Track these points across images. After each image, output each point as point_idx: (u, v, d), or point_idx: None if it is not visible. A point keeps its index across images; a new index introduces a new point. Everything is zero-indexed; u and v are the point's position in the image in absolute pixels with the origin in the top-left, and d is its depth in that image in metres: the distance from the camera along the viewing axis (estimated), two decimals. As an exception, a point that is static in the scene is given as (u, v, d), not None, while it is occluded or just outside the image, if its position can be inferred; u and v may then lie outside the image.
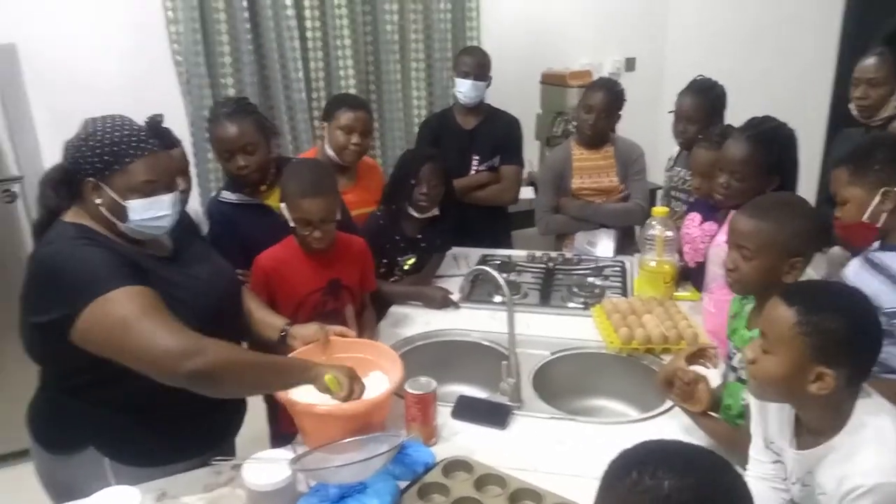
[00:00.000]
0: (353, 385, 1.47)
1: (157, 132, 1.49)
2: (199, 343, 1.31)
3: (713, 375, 1.77)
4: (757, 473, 1.34)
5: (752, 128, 1.97)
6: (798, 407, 1.23)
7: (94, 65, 3.15)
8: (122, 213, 1.44)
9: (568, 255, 2.79)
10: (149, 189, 1.45)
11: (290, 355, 1.66)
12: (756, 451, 1.34)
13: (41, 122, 3.10)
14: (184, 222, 1.63)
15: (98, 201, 1.43)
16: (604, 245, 2.82)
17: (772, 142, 1.92)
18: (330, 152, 2.48)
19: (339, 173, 2.36)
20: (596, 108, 2.71)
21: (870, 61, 2.46)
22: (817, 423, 1.20)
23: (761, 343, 1.19)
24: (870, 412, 1.15)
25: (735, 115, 2.48)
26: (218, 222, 2.12)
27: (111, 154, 1.41)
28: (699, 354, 1.65)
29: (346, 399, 1.45)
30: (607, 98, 2.72)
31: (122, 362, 1.32)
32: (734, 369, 1.55)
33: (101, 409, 1.45)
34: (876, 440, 1.12)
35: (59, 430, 1.52)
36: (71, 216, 1.45)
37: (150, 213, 1.46)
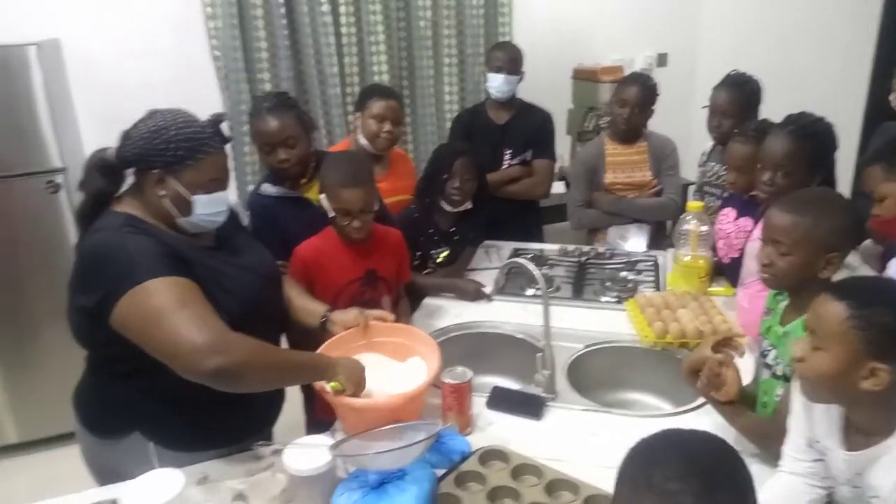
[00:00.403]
0: (356, 388, 1.52)
1: (217, 131, 1.52)
2: (224, 341, 1.31)
3: (744, 371, 1.76)
4: (792, 469, 1.33)
5: (793, 122, 1.94)
6: (849, 406, 1.20)
7: (134, 60, 3.22)
8: (186, 207, 1.48)
9: (600, 249, 2.79)
10: (213, 186, 1.50)
11: (330, 340, 1.69)
12: (794, 448, 1.33)
13: (83, 115, 3.18)
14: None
15: (161, 193, 1.46)
16: (636, 240, 2.82)
17: (816, 136, 1.90)
18: (363, 141, 2.51)
19: (373, 161, 2.41)
20: (630, 102, 2.71)
21: None
22: (869, 423, 1.17)
23: (810, 340, 1.17)
24: None
25: (769, 110, 2.46)
26: (259, 215, 2.15)
27: (185, 150, 1.44)
28: (725, 343, 1.62)
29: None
30: (641, 92, 2.72)
31: (150, 353, 1.34)
32: (768, 366, 1.54)
33: (146, 395, 1.49)
34: None
35: (105, 415, 1.56)
36: (122, 206, 1.49)
37: (212, 208, 1.51)
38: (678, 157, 2.82)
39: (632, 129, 2.77)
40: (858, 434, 1.20)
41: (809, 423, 1.30)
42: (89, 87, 3.17)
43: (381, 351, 1.73)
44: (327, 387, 1.50)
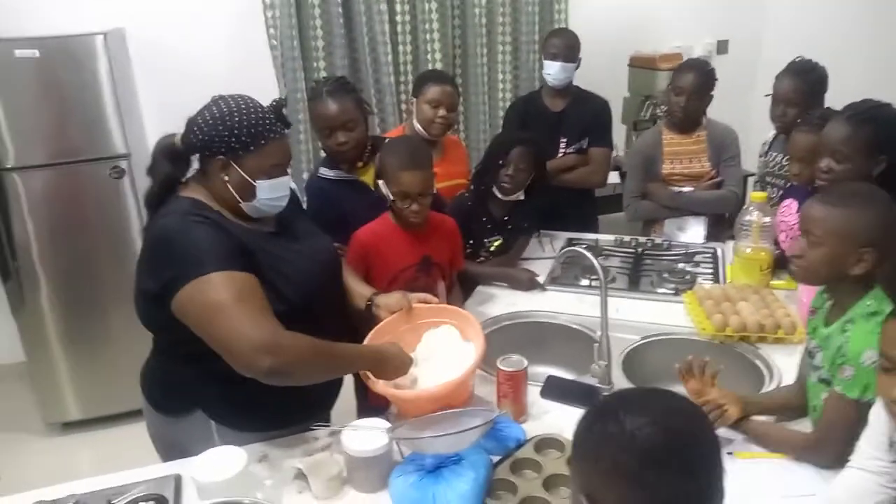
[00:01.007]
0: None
1: (279, 116, 1.54)
2: (277, 341, 1.33)
3: (790, 369, 1.71)
4: (865, 466, 1.28)
5: (853, 108, 1.88)
6: None
7: (195, 49, 3.30)
8: (249, 191, 1.50)
9: (657, 240, 2.74)
10: (276, 171, 1.53)
11: (378, 325, 1.71)
12: (874, 445, 1.27)
13: (146, 103, 3.27)
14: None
15: (225, 178, 1.49)
16: (694, 231, 2.76)
17: (875, 120, 1.82)
18: (418, 126, 2.53)
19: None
20: (686, 89, 2.65)
21: None
22: None
23: (882, 363, 1.14)
24: None
25: (836, 99, 2.35)
26: (317, 197, 2.19)
27: (248, 136, 1.47)
28: (701, 382, 1.59)
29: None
30: (698, 79, 2.64)
31: (208, 344, 1.38)
32: (815, 368, 1.47)
33: (207, 378, 1.52)
34: None
35: (170, 394, 1.61)
36: (188, 191, 1.53)
37: (274, 193, 1.54)
38: (739, 146, 2.74)
39: (689, 117, 2.71)
40: None
41: (890, 423, 1.25)
42: (153, 76, 3.26)
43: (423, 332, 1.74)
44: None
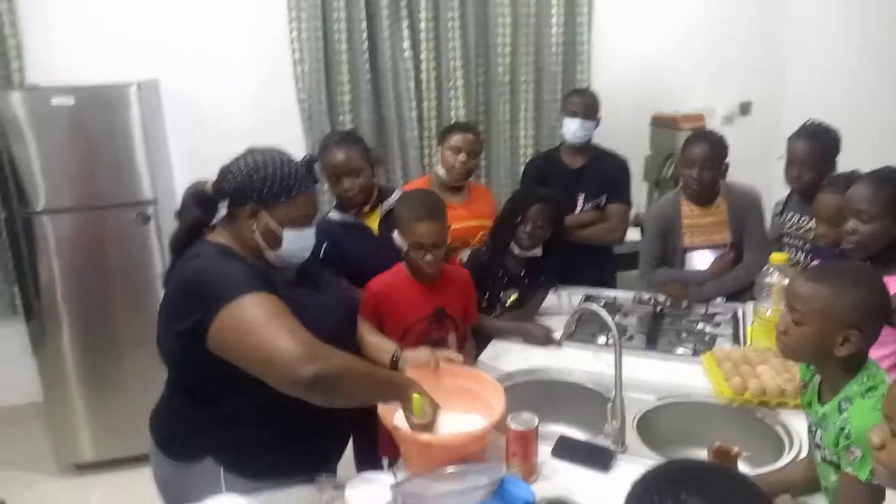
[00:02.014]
0: (433, 417, 1.53)
1: (310, 171, 1.59)
2: (321, 349, 1.35)
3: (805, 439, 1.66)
4: None
5: (879, 171, 1.87)
6: None
7: (225, 102, 3.40)
8: (276, 240, 1.54)
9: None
10: (304, 222, 1.57)
11: None
12: None
13: (175, 151, 3.36)
14: None
15: (254, 226, 1.53)
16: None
17: None
18: (441, 171, 2.73)
19: (453, 192, 2.66)
20: (697, 161, 2.57)
21: None
22: None
23: (890, 427, 1.09)
24: None
25: (855, 164, 2.35)
26: (324, 238, 2.23)
27: (281, 186, 1.52)
28: (726, 458, 1.51)
29: (423, 429, 1.51)
30: (709, 149, 2.57)
31: (247, 368, 1.37)
32: (818, 447, 1.41)
33: (222, 421, 1.52)
34: None
35: (180, 438, 1.60)
36: (214, 235, 1.56)
37: (300, 244, 1.58)
38: (762, 209, 2.67)
39: (704, 189, 2.62)
40: None
41: None
42: (183, 126, 3.36)
43: (446, 395, 1.71)
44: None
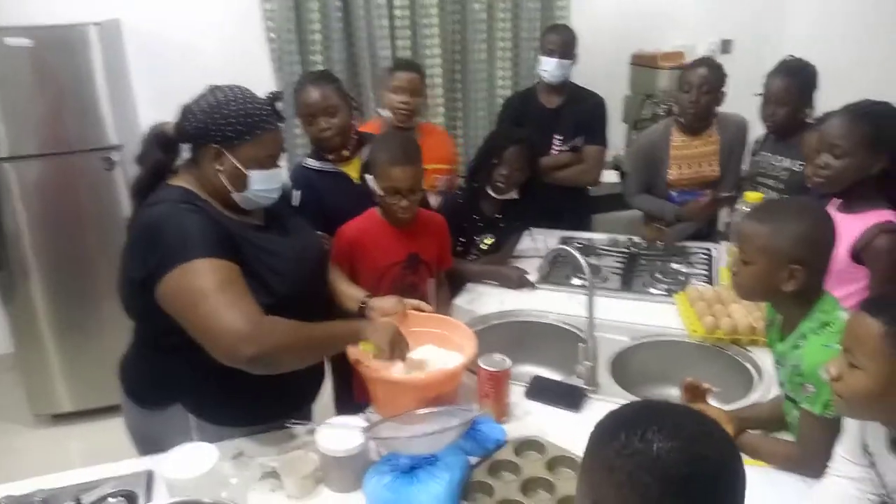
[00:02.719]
0: (393, 347, 1.51)
1: (275, 109, 1.53)
2: (258, 329, 1.32)
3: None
4: (843, 473, 1.25)
5: (853, 105, 1.84)
6: (890, 424, 1.15)
7: (190, 41, 3.27)
8: (242, 182, 1.49)
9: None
10: (269, 162, 1.51)
11: None
12: (847, 450, 1.26)
13: (140, 94, 3.25)
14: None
15: (218, 168, 1.47)
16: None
17: (876, 116, 1.78)
18: (385, 114, 2.63)
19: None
20: (697, 84, 2.54)
21: None
22: None
23: (846, 358, 1.12)
24: None
25: (840, 102, 2.31)
26: (300, 186, 2.18)
27: (244, 125, 1.45)
28: (694, 393, 1.54)
29: (389, 359, 1.51)
30: (709, 73, 2.55)
31: (189, 332, 1.36)
32: (781, 384, 1.45)
33: (188, 369, 1.50)
34: None
35: (149, 387, 1.59)
36: (178, 180, 1.50)
37: (267, 185, 1.52)
38: (747, 137, 2.65)
39: (701, 114, 2.59)
40: None
41: (863, 426, 1.23)
42: (147, 67, 3.23)
43: (417, 342, 1.70)
44: (360, 349, 1.50)
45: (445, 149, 2.78)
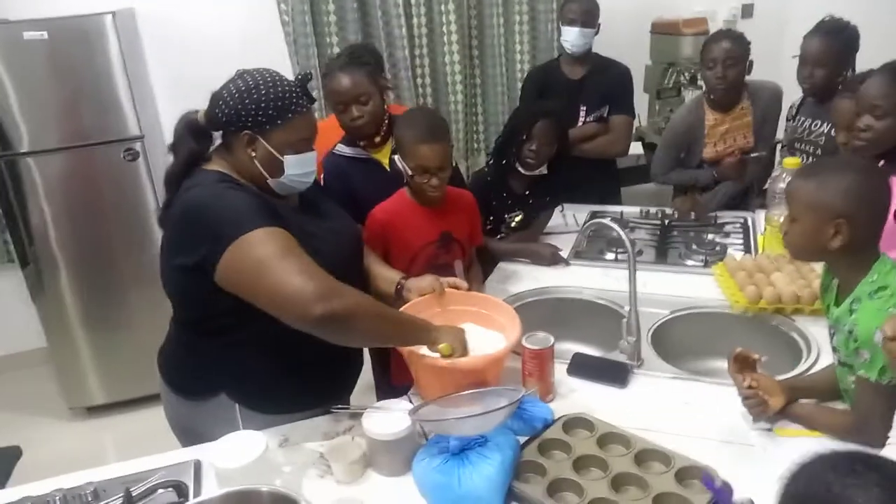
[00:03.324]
0: (464, 352, 1.48)
1: (305, 89, 1.50)
2: (334, 287, 1.30)
3: (828, 341, 1.63)
4: None
5: (891, 63, 1.78)
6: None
7: (205, 27, 3.23)
8: (277, 167, 1.46)
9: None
10: (303, 146, 1.48)
11: (404, 306, 1.65)
12: None
13: (157, 82, 3.22)
14: None
15: (252, 154, 1.45)
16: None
17: None
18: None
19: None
20: (721, 59, 2.46)
21: None
22: None
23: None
24: None
25: (868, 65, 2.25)
26: (331, 174, 2.13)
27: (276, 109, 1.42)
28: (744, 363, 1.49)
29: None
30: (732, 45, 2.47)
31: (257, 304, 1.33)
32: (835, 350, 1.41)
33: (234, 355, 1.49)
34: None
35: (191, 376, 1.57)
36: (212, 165, 1.48)
37: (302, 168, 1.49)
38: (781, 103, 2.58)
39: (729, 89, 2.51)
40: None
41: None
42: (163, 55, 3.21)
43: (458, 322, 1.67)
44: (432, 353, 1.46)
45: None
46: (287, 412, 1.55)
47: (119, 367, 3.11)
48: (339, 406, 1.55)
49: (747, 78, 2.58)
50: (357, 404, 1.59)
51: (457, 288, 1.73)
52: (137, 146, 2.87)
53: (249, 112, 1.42)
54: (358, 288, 1.64)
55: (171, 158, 1.50)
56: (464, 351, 1.47)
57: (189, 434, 1.58)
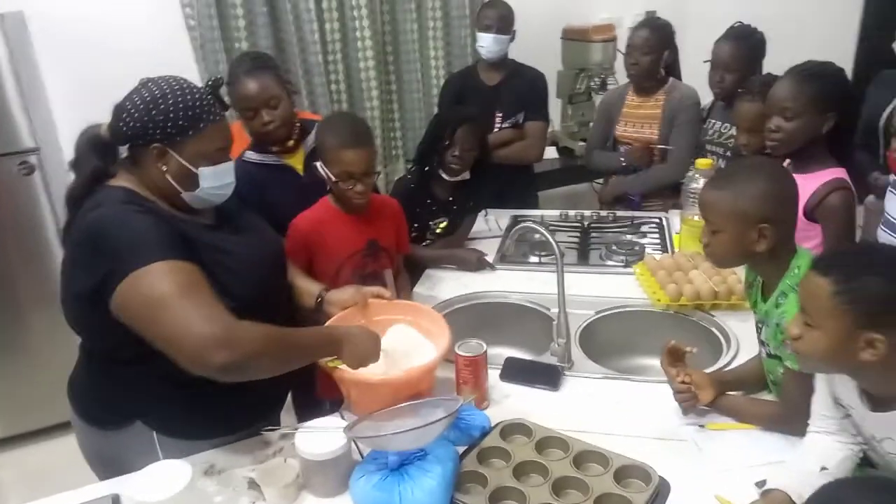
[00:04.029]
0: (359, 363, 1.44)
1: (217, 96, 1.41)
2: (231, 333, 1.21)
3: (746, 335, 1.70)
4: (822, 428, 1.28)
5: (797, 67, 1.88)
6: (855, 376, 1.17)
7: (103, 32, 3.04)
8: (191, 180, 1.37)
9: (602, 213, 2.71)
10: (218, 156, 1.40)
11: (328, 321, 1.61)
12: (822, 406, 1.28)
13: (53, 91, 3.01)
14: None
15: (163, 168, 1.35)
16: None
17: (821, 76, 1.82)
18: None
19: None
20: (637, 47, 2.59)
21: None
22: (884, 389, 1.14)
23: (803, 318, 1.14)
24: None
25: (770, 68, 2.38)
26: (242, 182, 2.04)
27: (186, 119, 1.33)
28: (677, 357, 1.54)
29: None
30: (650, 35, 2.59)
31: (153, 344, 1.24)
32: (763, 343, 1.47)
33: (147, 383, 1.39)
34: None
35: (105, 405, 1.47)
36: (118, 181, 1.38)
37: (219, 180, 1.41)
38: (697, 112, 2.66)
39: (644, 76, 2.64)
40: (878, 398, 1.16)
41: (830, 380, 1.25)
42: (60, 61, 2.99)
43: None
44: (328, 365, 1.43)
45: None
46: (210, 437, 1.47)
47: (21, 396, 2.87)
48: (269, 427, 1.48)
49: (673, 78, 2.72)
50: (284, 424, 1.53)
51: (381, 297, 1.69)
52: (33, 159, 2.67)
53: (158, 124, 1.33)
54: (280, 301, 1.59)
55: (72, 175, 1.39)
56: (360, 362, 1.42)
57: (107, 464, 1.47)
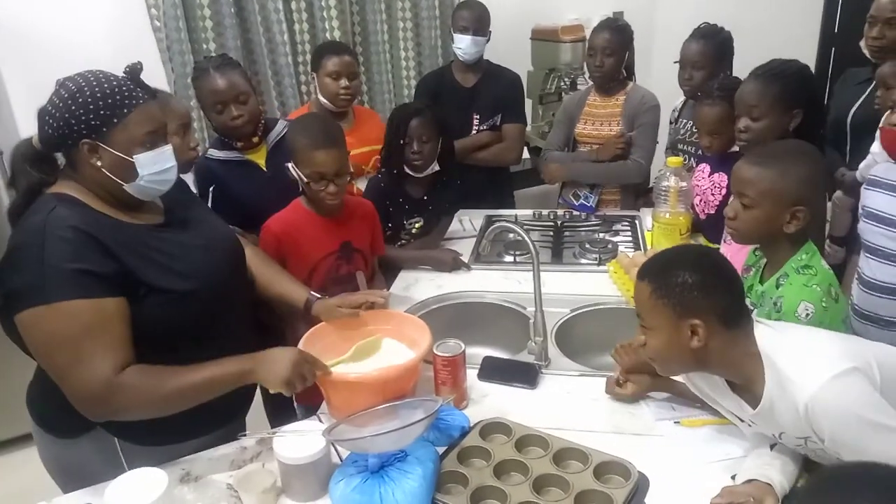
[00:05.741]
0: (292, 382, 1.37)
1: (138, 81, 1.37)
2: (111, 389, 1.25)
3: None
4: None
5: (761, 67, 1.92)
6: (711, 371, 1.25)
7: (68, 35, 2.98)
8: (129, 170, 1.33)
9: (576, 212, 2.72)
10: (151, 140, 1.35)
11: (310, 331, 1.59)
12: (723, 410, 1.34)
13: (15, 95, 2.94)
14: (176, 183, 1.49)
15: (98, 163, 1.31)
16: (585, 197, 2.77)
17: (785, 75, 1.86)
18: (324, 101, 2.54)
19: (337, 119, 2.41)
20: (598, 48, 2.61)
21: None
22: (742, 381, 1.21)
23: (641, 324, 1.24)
24: (769, 341, 1.17)
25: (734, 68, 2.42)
26: (207, 179, 2.09)
27: (106, 107, 1.29)
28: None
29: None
30: (611, 36, 2.60)
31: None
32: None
33: None
34: (790, 363, 1.14)
35: (62, 413, 1.38)
36: (59, 187, 1.35)
37: (158, 165, 1.36)
38: (656, 115, 2.68)
39: (605, 77, 2.66)
40: (749, 395, 1.22)
41: (718, 406, 1.32)
42: (20, 66, 2.91)
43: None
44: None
45: (381, 129, 2.59)
46: (175, 442, 1.44)
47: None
48: (244, 433, 1.45)
49: (637, 82, 2.75)
50: (253, 428, 1.50)
51: (373, 305, 1.65)
52: (-6, 165, 2.61)
53: (80, 118, 1.28)
54: (239, 299, 1.56)
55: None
56: (283, 383, 1.36)
57: (69, 476, 1.44)
